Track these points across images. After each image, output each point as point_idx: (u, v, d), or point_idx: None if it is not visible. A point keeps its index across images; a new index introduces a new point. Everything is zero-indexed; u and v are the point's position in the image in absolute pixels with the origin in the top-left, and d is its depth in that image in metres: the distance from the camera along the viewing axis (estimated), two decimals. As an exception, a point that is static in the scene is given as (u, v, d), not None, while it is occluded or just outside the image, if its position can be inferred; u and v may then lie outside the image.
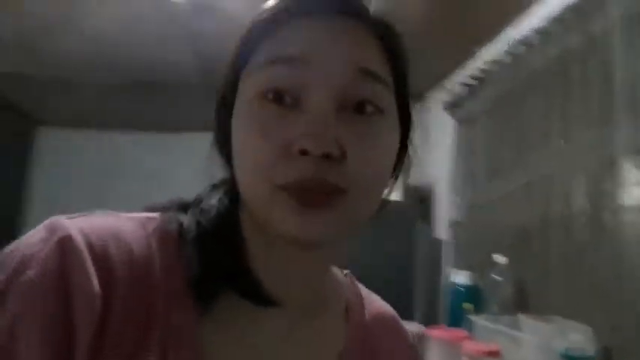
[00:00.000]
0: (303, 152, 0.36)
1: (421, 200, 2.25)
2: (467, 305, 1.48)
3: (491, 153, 1.72)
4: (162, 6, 1.82)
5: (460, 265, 1.82)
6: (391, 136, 0.42)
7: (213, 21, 1.88)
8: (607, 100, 1.15)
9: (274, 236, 0.40)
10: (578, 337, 0.99)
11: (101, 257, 0.37)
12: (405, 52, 0.44)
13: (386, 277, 1.90)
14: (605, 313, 1.08)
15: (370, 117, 0.39)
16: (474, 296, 1.50)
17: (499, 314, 1.33)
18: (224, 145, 0.44)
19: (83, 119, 3.43)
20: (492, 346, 1.14)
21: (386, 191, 0.44)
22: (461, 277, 1.57)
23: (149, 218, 0.43)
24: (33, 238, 0.36)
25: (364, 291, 0.57)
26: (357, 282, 0.57)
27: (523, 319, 1.16)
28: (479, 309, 1.45)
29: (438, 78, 2.23)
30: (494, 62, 1.67)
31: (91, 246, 0.36)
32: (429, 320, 1.87)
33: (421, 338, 1.36)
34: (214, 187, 0.47)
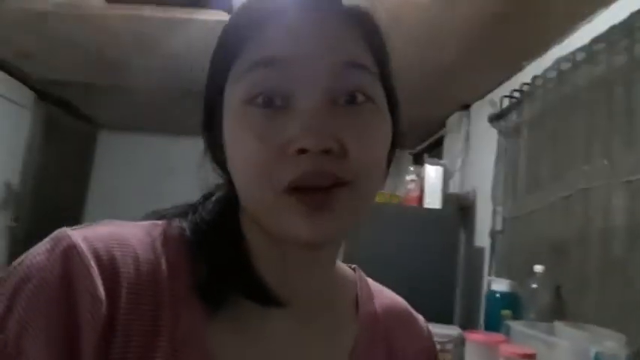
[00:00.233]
0: (302, 151, 0.35)
1: (463, 209, 2.28)
2: (505, 312, 1.51)
3: (532, 166, 1.74)
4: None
5: (500, 273, 1.85)
6: (385, 124, 0.42)
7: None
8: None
9: (278, 238, 0.40)
10: (611, 343, 1.03)
11: (107, 263, 0.36)
12: (384, 38, 0.44)
13: (428, 283, 1.99)
14: (639, 324, 1.11)
15: (362, 106, 0.39)
16: (512, 303, 1.53)
17: (536, 321, 1.37)
18: (215, 152, 0.44)
19: (139, 124, 3.72)
20: (528, 349, 1.19)
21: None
22: (500, 285, 1.60)
23: (154, 225, 0.43)
24: (39, 250, 0.36)
25: (374, 285, 0.56)
26: (365, 276, 0.56)
27: (559, 325, 1.20)
28: (517, 316, 1.48)
29: (483, 90, 2.26)
30: (540, 77, 1.70)
31: (96, 253, 0.36)
32: (468, 325, 1.92)
33: (460, 341, 1.41)
34: (211, 194, 0.48)
